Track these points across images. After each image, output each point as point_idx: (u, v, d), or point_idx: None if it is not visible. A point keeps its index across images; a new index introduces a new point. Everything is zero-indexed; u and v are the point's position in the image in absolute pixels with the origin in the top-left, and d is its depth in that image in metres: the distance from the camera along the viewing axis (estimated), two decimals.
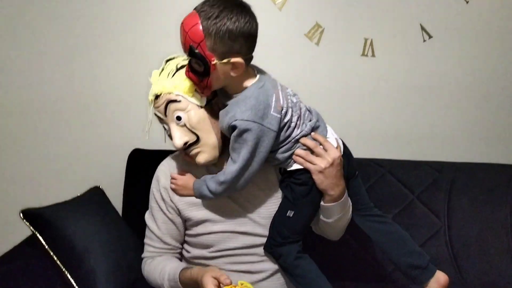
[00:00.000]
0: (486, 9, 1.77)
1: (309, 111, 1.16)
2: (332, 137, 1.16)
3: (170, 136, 1.13)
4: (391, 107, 1.84)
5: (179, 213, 1.22)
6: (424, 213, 1.63)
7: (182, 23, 1.00)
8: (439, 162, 1.72)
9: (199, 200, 1.18)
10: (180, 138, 1.10)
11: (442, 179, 1.67)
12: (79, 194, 1.48)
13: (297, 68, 1.80)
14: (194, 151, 1.13)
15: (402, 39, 1.80)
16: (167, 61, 1.15)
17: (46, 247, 1.30)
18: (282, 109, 1.06)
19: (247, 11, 1.01)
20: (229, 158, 1.09)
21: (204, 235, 1.19)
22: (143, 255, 1.29)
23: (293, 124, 1.09)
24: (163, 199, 1.23)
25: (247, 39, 1.01)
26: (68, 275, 1.28)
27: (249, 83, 1.07)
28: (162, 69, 1.13)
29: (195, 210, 1.20)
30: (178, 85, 1.10)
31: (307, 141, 1.11)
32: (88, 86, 1.80)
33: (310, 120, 1.13)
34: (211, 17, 0.96)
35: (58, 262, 1.29)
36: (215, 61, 0.99)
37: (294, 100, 1.11)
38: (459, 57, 1.81)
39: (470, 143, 1.86)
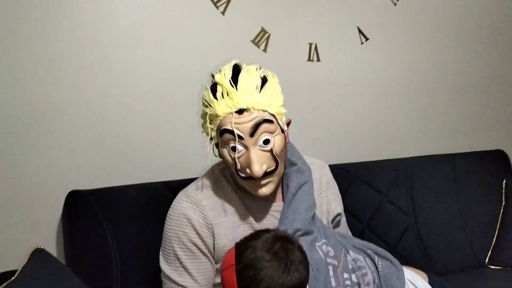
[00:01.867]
0: (412, 9, 1.89)
1: None
2: None
3: (227, 159, 0.96)
4: (341, 110, 1.84)
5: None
6: (393, 211, 1.67)
7: None
8: (395, 159, 1.77)
9: None
10: (262, 164, 0.93)
11: (401, 176, 1.72)
12: (22, 267, 1.11)
13: None
14: (265, 181, 0.96)
15: (343, 43, 1.81)
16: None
17: None
18: None
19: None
20: None
21: None
22: None
23: None
24: (203, 240, 1.01)
25: None
26: None
27: None
28: (232, 83, 0.93)
29: None
30: (273, 103, 0.94)
31: None
32: None
33: None
34: None
35: None
36: None
37: None
38: (393, 56, 1.90)
39: (417, 138, 1.97)
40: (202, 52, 1.59)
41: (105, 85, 1.46)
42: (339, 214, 1.21)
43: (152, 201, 1.39)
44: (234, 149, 0.94)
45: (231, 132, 0.92)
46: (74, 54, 1.41)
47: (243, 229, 1.03)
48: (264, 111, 0.93)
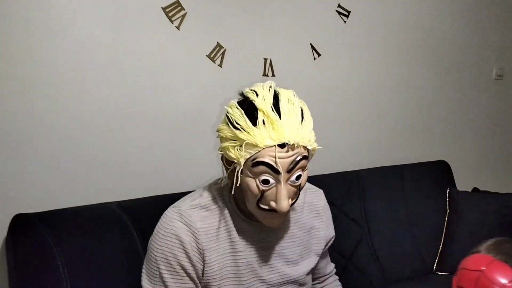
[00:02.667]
0: (361, 26, 1.97)
1: None
2: None
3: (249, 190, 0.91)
4: None
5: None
6: (348, 223, 1.71)
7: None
8: (348, 172, 1.82)
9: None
10: (289, 199, 0.90)
11: (354, 188, 1.77)
12: None
13: (203, 90, 1.65)
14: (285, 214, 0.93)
15: (297, 58, 1.84)
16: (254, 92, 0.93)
17: None
18: None
19: None
20: None
21: None
22: None
23: None
24: (193, 265, 0.95)
25: None
26: None
27: None
28: (275, 111, 0.87)
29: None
30: (311, 139, 0.91)
31: None
32: None
33: None
34: None
35: None
36: None
37: None
38: (343, 71, 1.97)
39: (368, 150, 2.04)
40: (156, 67, 1.56)
41: (53, 101, 1.38)
42: (333, 237, 1.21)
43: (107, 223, 1.33)
44: (266, 182, 0.89)
45: (269, 165, 0.87)
46: (19, 70, 1.32)
47: (232, 258, 0.99)
48: (305, 148, 0.90)
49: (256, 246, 1.01)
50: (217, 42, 1.66)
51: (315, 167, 1.87)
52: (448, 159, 2.13)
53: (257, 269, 1.01)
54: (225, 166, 0.99)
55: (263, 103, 0.88)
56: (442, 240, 1.83)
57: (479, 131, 2.42)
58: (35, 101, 1.35)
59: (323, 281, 1.26)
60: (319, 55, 1.89)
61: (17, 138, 1.34)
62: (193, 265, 0.95)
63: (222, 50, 1.67)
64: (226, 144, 0.92)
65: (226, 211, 0.99)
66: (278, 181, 0.88)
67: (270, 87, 0.93)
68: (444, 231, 1.84)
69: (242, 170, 0.90)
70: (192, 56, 1.63)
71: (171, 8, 1.56)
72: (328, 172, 1.82)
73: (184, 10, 1.58)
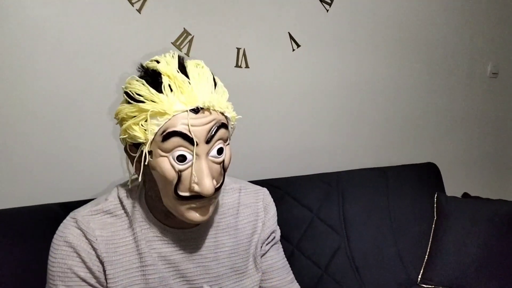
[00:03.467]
0: (345, 16, 1.82)
1: None
2: None
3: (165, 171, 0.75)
4: (270, 120, 1.72)
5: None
6: (325, 230, 1.56)
7: None
8: (326, 173, 1.68)
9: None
10: (213, 179, 0.76)
11: (333, 192, 1.63)
12: None
13: None
14: (205, 203, 0.78)
15: (273, 49, 1.69)
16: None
17: None
18: None
19: None
20: None
21: None
22: None
23: None
24: (95, 276, 0.80)
25: None
26: None
27: None
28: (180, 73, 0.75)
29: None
30: (229, 106, 0.79)
31: None
32: None
33: None
34: None
35: None
36: None
37: None
38: (325, 64, 1.81)
39: (348, 150, 1.89)
40: (115, 53, 1.40)
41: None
42: (273, 231, 1.01)
43: (46, 226, 1.17)
44: (181, 158, 0.74)
45: (183, 135, 0.73)
46: None
47: (140, 273, 0.83)
48: (222, 113, 0.77)
49: (171, 258, 0.84)
50: (184, 28, 1.50)
51: (291, 168, 1.73)
52: (437, 161, 1.98)
53: (173, 285, 0.84)
54: (130, 157, 0.82)
55: (167, 67, 0.75)
56: (428, 250, 1.68)
57: (472, 131, 2.27)
58: None
59: None
60: (298, 46, 1.74)
61: None
62: (95, 277, 0.79)
63: (189, 37, 1.52)
64: (128, 123, 0.76)
65: (136, 217, 0.83)
66: (196, 156, 0.74)
67: (174, 54, 0.79)
68: (430, 240, 1.70)
69: (151, 151, 0.75)
70: (155, 43, 1.47)
71: None
72: (304, 174, 1.67)
73: None
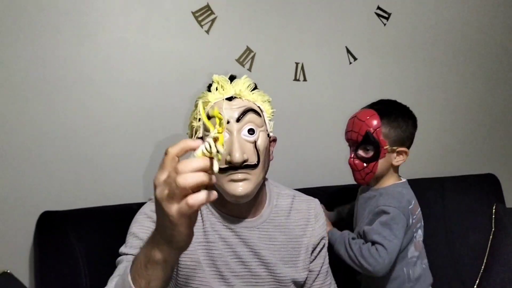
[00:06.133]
0: (402, 29, 1.87)
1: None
2: None
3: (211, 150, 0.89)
4: (326, 132, 1.80)
5: None
6: None
7: (355, 117, 1.26)
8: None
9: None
10: (243, 152, 0.93)
11: None
12: None
13: None
14: (241, 176, 0.93)
15: (330, 62, 1.78)
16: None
17: None
18: (414, 215, 1.25)
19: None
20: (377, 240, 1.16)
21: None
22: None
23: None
24: None
25: (412, 135, 1.27)
26: None
27: (394, 181, 1.29)
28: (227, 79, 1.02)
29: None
30: (261, 102, 1.02)
31: None
32: None
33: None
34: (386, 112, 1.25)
35: None
36: (387, 146, 1.21)
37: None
38: (382, 77, 1.87)
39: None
40: (186, 71, 1.57)
41: (83, 104, 1.43)
42: (323, 238, 1.14)
43: (127, 223, 1.35)
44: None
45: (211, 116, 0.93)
46: (51, 73, 1.38)
47: (204, 248, 1.00)
48: (253, 102, 0.99)
49: (229, 240, 1.01)
50: (247, 46, 1.64)
51: (344, 177, 1.80)
52: (497, 172, 1.95)
53: (230, 262, 1.00)
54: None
55: (218, 77, 1.01)
56: (485, 261, 1.68)
57: None
58: (63, 104, 1.41)
59: None
60: (355, 59, 1.82)
61: (45, 139, 1.39)
62: None
63: (251, 54, 1.65)
64: (190, 120, 1.04)
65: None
66: (230, 132, 0.94)
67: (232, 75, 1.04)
68: (487, 252, 1.69)
69: (202, 138, 0.99)
70: (221, 60, 1.62)
71: (201, 12, 1.57)
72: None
73: (214, 14, 1.58)
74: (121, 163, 1.50)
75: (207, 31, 1.58)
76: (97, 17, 1.42)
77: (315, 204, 1.15)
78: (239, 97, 0.98)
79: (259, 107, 1.00)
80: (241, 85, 0.99)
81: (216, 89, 0.99)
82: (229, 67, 1.63)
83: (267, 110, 1.02)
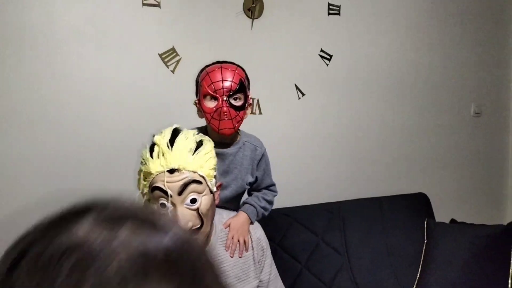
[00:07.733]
0: (342, 68, 2.14)
1: None
2: None
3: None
4: (283, 159, 2.01)
5: None
6: (329, 252, 1.82)
7: (227, 68, 1.27)
8: (330, 203, 1.95)
9: None
10: (187, 222, 0.99)
11: (335, 218, 1.89)
12: None
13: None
14: None
15: (282, 98, 2.01)
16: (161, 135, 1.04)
17: None
18: None
19: None
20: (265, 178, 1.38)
21: None
22: None
23: None
24: None
25: None
26: None
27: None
28: (169, 144, 1.01)
29: None
30: (204, 166, 1.03)
31: None
32: None
33: None
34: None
35: None
36: (249, 95, 1.31)
37: None
38: (327, 109, 2.13)
39: (349, 182, 2.17)
40: (154, 105, 1.73)
41: (57, 139, 1.54)
42: (263, 249, 1.28)
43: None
44: (163, 205, 1.01)
45: (161, 189, 0.99)
46: (34, 111, 1.49)
47: None
48: (194, 172, 1.01)
49: None
50: None
51: (299, 199, 2.01)
52: (427, 191, 2.25)
53: None
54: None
55: (160, 139, 1.02)
56: (420, 269, 1.93)
57: (458, 165, 2.55)
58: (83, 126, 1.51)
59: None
60: (303, 94, 2.06)
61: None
62: None
63: None
64: (137, 178, 1.07)
65: None
66: (173, 204, 1.00)
67: (175, 129, 1.06)
68: (421, 261, 1.95)
69: (150, 199, 1.04)
70: (186, 97, 1.79)
71: (167, 54, 1.74)
72: (311, 203, 1.95)
73: (179, 56, 1.76)
74: None
75: (173, 71, 1.76)
76: (74, 59, 1.56)
77: (258, 230, 1.29)
78: (181, 169, 1.00)
79: (200, 175, 1.02)
80: (182, 153, 1.00)
81: (158, 156, 1.01)
82: (193, 106, 1.80)
83: (208, 174, 1.04)
